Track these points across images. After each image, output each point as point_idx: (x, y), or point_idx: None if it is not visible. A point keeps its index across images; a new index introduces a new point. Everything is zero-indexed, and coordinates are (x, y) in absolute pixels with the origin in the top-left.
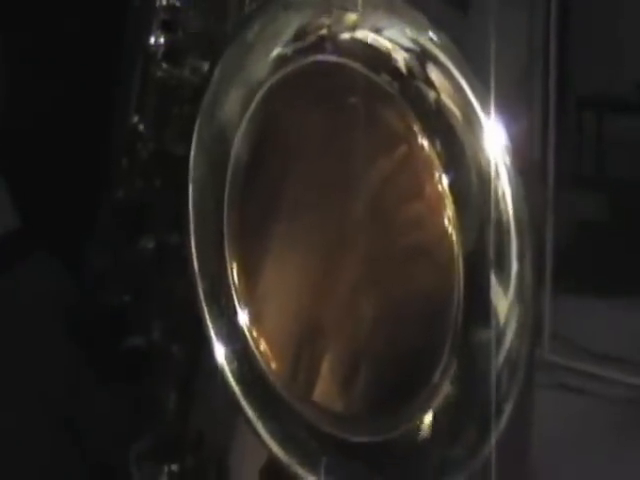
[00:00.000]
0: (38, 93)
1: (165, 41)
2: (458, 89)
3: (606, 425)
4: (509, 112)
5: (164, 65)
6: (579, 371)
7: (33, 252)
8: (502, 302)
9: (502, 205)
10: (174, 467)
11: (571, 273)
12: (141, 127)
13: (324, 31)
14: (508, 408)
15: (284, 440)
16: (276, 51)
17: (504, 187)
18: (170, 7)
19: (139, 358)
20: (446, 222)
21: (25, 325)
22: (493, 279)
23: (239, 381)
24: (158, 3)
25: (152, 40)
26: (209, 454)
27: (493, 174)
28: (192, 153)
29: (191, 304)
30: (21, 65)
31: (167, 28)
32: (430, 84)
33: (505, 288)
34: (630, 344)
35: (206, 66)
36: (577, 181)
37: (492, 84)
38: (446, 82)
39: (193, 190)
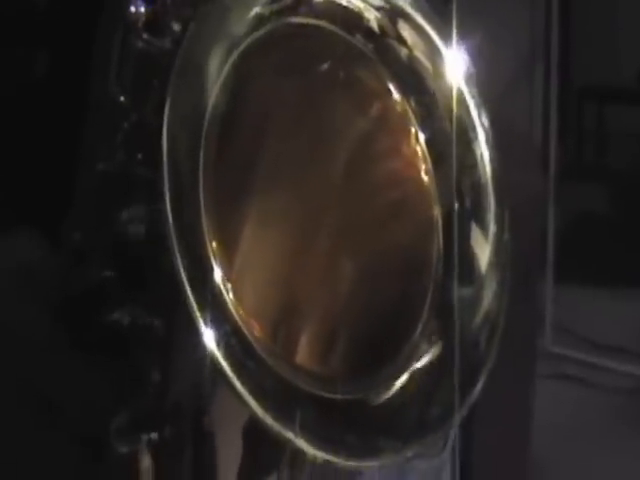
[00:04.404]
0: (16, 63)
1: (145, 11)
2: (429, 43)
3: (608, 415)
4: (510, 100)
5: (145, 35)
6: (581, 361)
7: (13, 226)
8: (481, 260)
9: (480, 166)
10: (153, 436)
11: (573, 263)
12: (122, 98)
13: None
14: (486, 368)
15: (262, 397)
16: (255, 10)
17: (482, 149)
18: None
19: (119, 332)
20: (424, 177)
21: (4, 298)
22: (472, 236)
23: (218, 344)
24: None
25: (132, 9)
26: (188, 422)
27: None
28: (167, 114)
29: (171, 278)
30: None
31: None
32: (402, 41)
33: (483, 248)
34: (632, 334)
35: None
36: (578, 171)
37: (454, 20)
38: (418, 38)
39: (168, 156)
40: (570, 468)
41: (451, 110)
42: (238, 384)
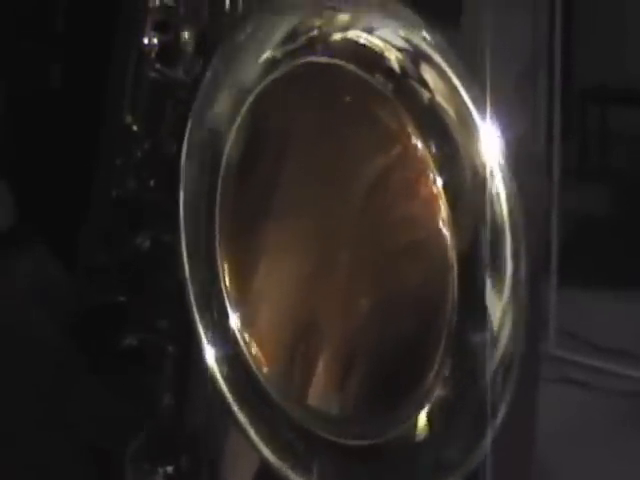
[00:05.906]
0: (32, 89)
1: (159, 42)
2: (452, 89)
3: (612, 418)
4: (511, 108)
5: (157, 65)
6: (584, 365)
7: (27, 248)
8: (497, 303)
9: (497, 206)
10: (169, 469)
11: (576, 267)
12: (135, 127)
13: (315, 32)
14: (503, 409)
15: (275, 444)
16: (266, 54)
17: (498, 188)
18: (164, 7)
19: (133, 357)
20: (440, 223)
21: (18, 319)
22: (488, 281)
23: (230, 384)
24: (152, 4)
25: (146, 41)
26: (204, 455)
27: (488, 175)
28: (183, 156)
29: (183, 306)
30: (16, 62)
31: (161, 29)
32: (424, 84)
33: (500, 289)
34: (635, 338)
35: (200, 67)
36: (582, 174)
37: (488, 85)
38: (440, 82)
39: (185, 192)
40: (574, 471)
41: (472, 157)
42: (251, 430)
